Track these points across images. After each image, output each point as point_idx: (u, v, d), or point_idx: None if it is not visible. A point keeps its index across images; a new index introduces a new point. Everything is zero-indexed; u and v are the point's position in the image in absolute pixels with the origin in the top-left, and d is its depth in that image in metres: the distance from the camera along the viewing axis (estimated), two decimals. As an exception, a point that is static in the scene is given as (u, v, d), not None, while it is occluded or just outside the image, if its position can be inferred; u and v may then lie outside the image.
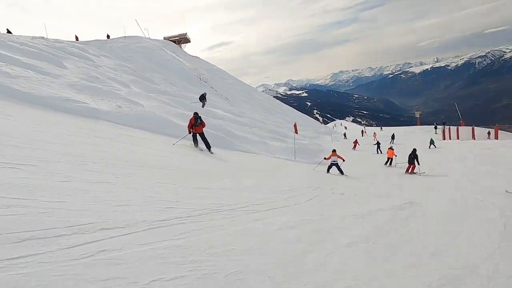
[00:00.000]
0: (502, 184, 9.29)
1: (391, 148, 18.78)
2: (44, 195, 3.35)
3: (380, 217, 4.84)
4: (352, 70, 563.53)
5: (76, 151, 5.51)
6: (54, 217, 2.94)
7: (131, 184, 4.48)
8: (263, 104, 49.77)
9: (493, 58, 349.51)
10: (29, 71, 11.62)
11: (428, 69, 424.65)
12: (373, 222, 4.57)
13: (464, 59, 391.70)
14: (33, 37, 23.51)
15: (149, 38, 47.46)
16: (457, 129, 32.78)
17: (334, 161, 12.78)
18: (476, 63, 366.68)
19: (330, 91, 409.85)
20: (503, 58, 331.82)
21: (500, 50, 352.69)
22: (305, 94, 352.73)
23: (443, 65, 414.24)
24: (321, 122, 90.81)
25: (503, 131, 28.33)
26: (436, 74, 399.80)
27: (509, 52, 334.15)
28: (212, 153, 10.44)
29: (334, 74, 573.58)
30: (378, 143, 27.76)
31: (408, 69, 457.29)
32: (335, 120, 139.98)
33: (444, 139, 34.40)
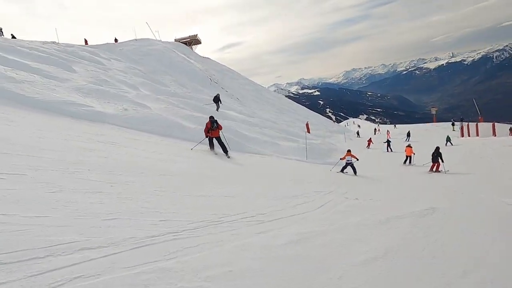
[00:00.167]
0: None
1: (409, 146, 18.30)
2: (25, 209, 3.05)
3: (399, 227, 4.37)
4: (365, 68, 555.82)
5: (73, 157, 5.24)
6: (31, 236, 2.63)
7: (127, 193, 4.16)
8: (274, 103, 49.31)
9: (511, 52, 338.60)
10: (35, 75, 11.55)
11: (443, 64, 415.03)
12: (391, 232, 4.11)
13: (481, 54, 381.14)
14: (44, 42, 23.75)
15: (160, 41, 47.68)
16: (476, 126, 31.54)
17: (349, 160, 12.90)
18: (494, 57, 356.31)
19: (343, 89, 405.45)
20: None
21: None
22: (317, 93, 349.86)
23: (459, 60, 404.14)
24: (333, 121, 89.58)
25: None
26: (451, 70, 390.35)
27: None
28: (229, 157, 10.26)
29: (346, 72, 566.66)
30: (388, 141, 27.27)
31: (422, 65, 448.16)
32: (348, 118, 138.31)
33: (462, 136, 33.20)
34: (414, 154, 17.90)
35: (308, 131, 30.96)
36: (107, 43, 37.68)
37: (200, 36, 63.36)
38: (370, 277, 2.84)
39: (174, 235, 3.17)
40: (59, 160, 4.86)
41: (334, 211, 5.11)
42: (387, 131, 47.03)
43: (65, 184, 3.94)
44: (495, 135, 27.78)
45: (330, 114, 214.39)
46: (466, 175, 12.88)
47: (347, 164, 13.00)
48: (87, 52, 25.97)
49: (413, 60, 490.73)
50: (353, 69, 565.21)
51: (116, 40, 39.35)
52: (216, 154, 10.52)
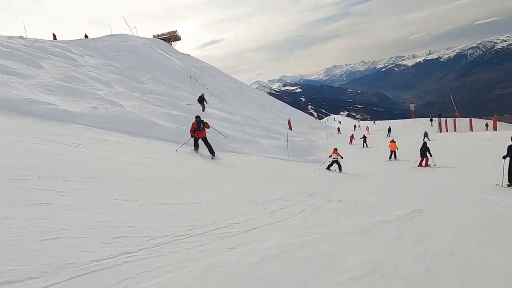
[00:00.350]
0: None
1: (393, 141, 18.82)
2: None
3: (386, 233, 4.01)
4: (346, 65, 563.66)
5: (23, 162, 4.61)
6: None
7: (79, 204, 3.60)
8: (256, 101, 48.88)
9: (484, 49, 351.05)
10: (-7, 71, 10.64)
11: (420, 61, 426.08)
12: (377, 241, 3.74)
13: (456, 51, 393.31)
14: (10, 37, 22.33)
15: (137, 37, 46.26)
16: (454, 121, 32.19)
17: (335, 158, 13.46)
18: (468, 54, 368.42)
19: (324, 86, 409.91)
20: (494, 49, 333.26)
21: (491, 41, 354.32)
22: (299, 90, 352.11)
23: (436, 57, 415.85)
24: (315, 118, 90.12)
25: (501, 122, 27.72)
26: (428, 67, 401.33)
27: (500, 42, 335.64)
28: (213, 158, 10.03)
29: (327, 69, 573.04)
30: (364, 137, 28.10)
31: (401, 62, 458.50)
32: (329, 115, 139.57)
33: (440, 131, 33.83)
34: (397, 149, 18.38)
35: (290, 128, 30.76)
36: (80, 39, 36.11)
37: (180, 33, 62.13)
38: (358, 302, 2.43)
39: (127, 257, 2.66)
40: (5, 166, 4.23)
41: (316, 216, 4.70)
42: (367, 127, 47.72)
43: (3, 195, 3.35)
44: (472, 130, 28.40)
45: (312, 111, 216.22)
46: (448, 171, 12.95)
47: (333, 162, 13.49)
48: (59, 48, 24.65)
49: (392, 57, 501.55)
50: (334, 66, 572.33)
51: (86, 36, 37.69)
52: (201, 156, 10.20)
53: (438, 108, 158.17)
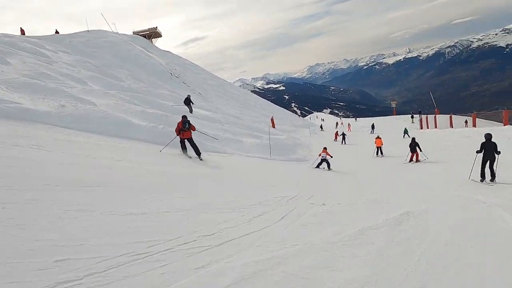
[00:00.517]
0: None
1: (378, 137, 19.12)
2: None
3: (374, 242, 3.65)
4: (328, 63, 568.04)
5: (-36, 169, 4.01)
6: None
7: (22, 218, 3.06)
8: (239, 98, 48.24)
9: (461, 48, 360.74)
10: None
11: (401, 59, 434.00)
12: (364, 252, 3.37)
13: (435, 49, 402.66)
14: (-25, 31, 20.97)
15: (116, 33, 44.78)
16: (435, 118, 32.64)
17: (324, 157, 13.61)
18: (446, 52, 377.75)
19: (307, 83, 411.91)
20: (470, 47, 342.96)
21: (467, 40, 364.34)
22: (282, 88, 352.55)
23: (415, 55, 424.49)
24: (299, 115, 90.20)
25: (480, 119, 28.21)
26: (408, 65, 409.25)
27: (476, 41, 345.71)
28: (201, 159, 9.81)
29: (310, 67, 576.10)
30: (343, 134, 28.60)
31: (382, 60, 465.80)
32: (313, 112, 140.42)
33: (421, 128, 34.24)
34: (382, 145, 18.74)
35: (273, 126, 30.44)
36: (55, 34, 34.58)
37: (161, 30, 60.68)
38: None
39: (67, 287, 2.17)
40: None
41: (298, 224, 4.30)
42: (348, 124, 48.08)
43: None
44: (452, 127, 28.81)
45: (295, 108, 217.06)
46: (432, 168, 12.91)
47: (322, 160, 13.63)
48: (30, 44, 23.40)
49: (373, 56, 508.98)
50: (317, 64, 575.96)
51: (57, 32, 36.02)
52: (190, 157, 9.81)
53: (417, 105, 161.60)
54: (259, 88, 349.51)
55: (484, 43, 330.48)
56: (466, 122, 29.81)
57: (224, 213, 4.47)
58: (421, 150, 15.04)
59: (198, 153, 9.98)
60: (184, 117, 10.26)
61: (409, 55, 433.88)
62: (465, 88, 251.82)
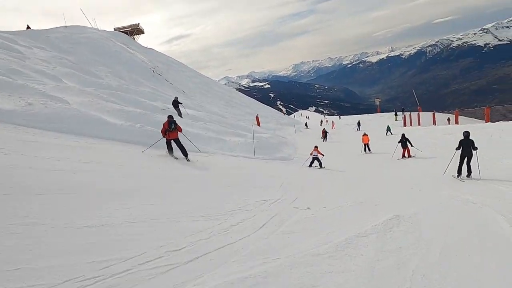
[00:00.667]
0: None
1: (365, 135, 19.31)
2: None
3: (363, 253, 3.29)
4: (313, 61, 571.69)
5: None
6: None
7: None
8: (224, 96, 47.66)
9: (442, 47, 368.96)
10: None
11: (384, 58, 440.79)
12: (353, 265, 3.00)
13: (416, 48, 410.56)
14: None
15: (96, 29, 43.40)
16: (418, 115, 32.97)
17: (315, 155, 13.73)
18: (427, 51, 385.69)
19: (292, 82, 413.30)
20: (450, 46, 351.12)
21: (448, 39, 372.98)
22: (268, 86, 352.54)
23: (398, 54, 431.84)
24: (284, 113, 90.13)
25: (461, 116, 28.62)
26: (391, 63, 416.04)
27: (456, 40, 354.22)
28: (188, 160, 9.57)
29: (295, 65, 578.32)
30: (325, 132, 28.91)
31: (365, 59, 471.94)
32: (298, 110, 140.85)
33: (405, 125, 34.56)
34: (369, 141, 18.97)
35: (258, 124, 30.11)
36: (29, 30, 33.13)
37: (144, 27, 59.27)
38: None
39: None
40: None
41: (280, 232, 3.91)
42: (332, 122, 48.31)
43: None
44: (435, 124, 29.13)
45: (280, 106, 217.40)
46: (418, 164, 12.90)
47: (313, 159, 13.73)
48: (1, 39, 22.21)
49: (357, 54, 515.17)
50: (302, 62, 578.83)
51: (28, 27, 34.50)
52: (177, 158, 9.48)
53: (400, 103, 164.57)
54: (244, 86, 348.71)
55: (464, 42, 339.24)
56: (448, 119, 30.22)
57: (199, 221, 4.03)
58: (412, 145, 15.23)
59: (185, 154, 9.73)
60: (170, 117, 9.98)
61: (392, 54, 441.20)
62: (445, 86, 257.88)
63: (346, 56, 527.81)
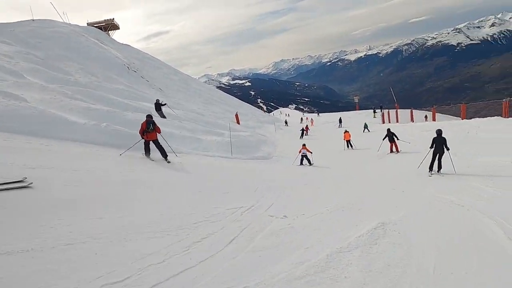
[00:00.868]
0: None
1: (346, 131, 19.65)
2: None
3: (347, 275, 2.79)
4: (293, 59, 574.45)
5: None
6: None
7: None
8: (203, 94, 46.59)
9: (417, 46, 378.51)
10: None
11: (362, 56, 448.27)
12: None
13: (393, 47, 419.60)
14: None
15: (66, 23, 41.40)
16: (396, 112, 33.29)
17: (304, 153, 13.97)
18: (403, 50, 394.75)
19: (273, 79, 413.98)
20: (425, 45, 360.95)
21: (423, 38, 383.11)
22: (248, 84, 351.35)
23: (375, 52, 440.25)
24: (265, 111, 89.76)
25: (438, 113, 29.02)
26: (369, 61, 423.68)
27: (430, 40, 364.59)
28: (168, 162, 9.22)
29: (275, 63, 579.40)
30: (302, 130, 29.35)
31: (344, 57, 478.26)
32: (278, 108, 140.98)
33: (383, 122, 34.84)
34: (351, 138, 19.24)
35: (238, 122, 29.54)
36: (-7, 23, 31.09)
37: (120, 22, 57.22)
38: None
39: None
40: None
41: (250, 250, 3.35)
42: (311, 119, 48.42)
43: None
44: (413, 121, 29.45)
45: (261, 104, 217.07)
46: (396, 162, 12.75)
47: (302, 157, 13.94)
48: (-42, 32, 20.58)
49: (336, 52, 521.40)
50: (282, 60, 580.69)
51: None
52: (153, 160, 9.01)
53: (378, 100, 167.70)
54: (225, 84, 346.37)
55: (438, 41, 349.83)
56: (426, 116, 30.63)
57: (156, 238, 3.41)
58: (398, 139, 15.41)
59: (164, 155, 9.35)
60: (148, 117, 9.56)
61: (370, 52, 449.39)
62: (421, 84, 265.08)
63: (326, 54, 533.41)
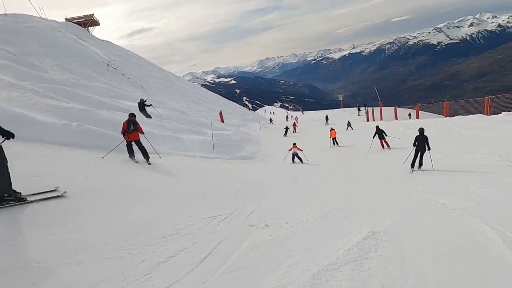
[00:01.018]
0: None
1: (332, 129, 19.93)
2: None
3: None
4: (278, 57, 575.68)
5: None
6: None
7: None
8: (187, 92, 45.66)
9: (399, 45, 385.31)
10: None
11: (346, 55, 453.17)
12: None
13: (376, 45, 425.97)
14: None
15: (42, 18, 39.74)
16: (381, 110, 33.44)
17: (295, 152, 14.17)
18: (386, 49, 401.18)
19: (258, 77, 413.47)
20: (407, 44, 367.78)
21: (405, 37, 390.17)
22: (233, 82, 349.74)
23: (359, 51, 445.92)
24: (250, 109, 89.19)
25: (421, 111, 29.26)
26: (352, 60, 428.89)
27: (412, 39, 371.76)
28: (149, 163, 8.89)
29: (260, 61, 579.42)
30: (286, 128, 29.57)
31: (328, 55, 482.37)
32: (264, 106, 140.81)
33: (368, 120, 34.97)
34: (337, 135, 19.47)
35: (222, 121, 29.02)
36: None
37: (100, 18, 55.47)
38: None
39: None
40: None
41: (225, 270, 2.91)
42: (296, 117, 48.44)
43: None
44: (397, 119, 29.58)
45: (246, 102, 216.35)
46: (382, 160, 12.63)
47: (293, 155, 14.13)
48: None
49: (320, 50, 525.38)
50: (267, 58, 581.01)
51: None
52: (137, 162, 8.75)
53: (361, 98, 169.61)
54: (209, 82, 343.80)
55: (419, 40, 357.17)
56: (409, 114, 30.84)
57: (114, 259, 2.92)
58: (387, 135, 15.73)
59: (146, 157, 9.02)
60: (131, 115, 9.16)
61: (353, 51, 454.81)
62: (403, 82, 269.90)
63: (310, 53, 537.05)
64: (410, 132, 19.74)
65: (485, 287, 2.66)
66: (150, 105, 17.62)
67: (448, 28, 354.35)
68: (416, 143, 9.75)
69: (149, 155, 9.17)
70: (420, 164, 9.71)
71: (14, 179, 3.98)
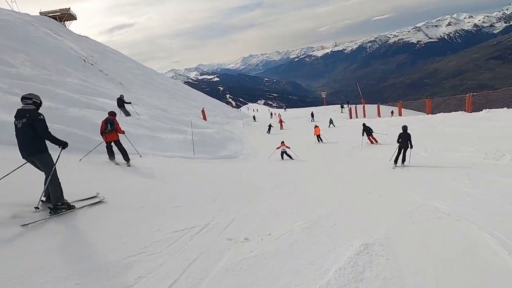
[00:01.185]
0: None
1: (316, 126, 20.44)
2: None
3: None
4: (261, 54, 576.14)
5: None
6: None
7: None
8: (168, 89, 44.57)
9: (380, 43, 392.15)
10: None
11: (328, 52, 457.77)
12: None
13: (358, 44, 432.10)
14: None
15: (14, 11, 37.83)
16: (364, 108, 33.50)
17: (283, 150, 14.49)
18: (367, 47, 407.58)
19: (241, 75, 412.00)
20: (388, 42, 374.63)
21: (385, 36, 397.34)
22: (216, 79, 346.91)
23: (341, 49, 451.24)
24: (233, 106, 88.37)
25: (404, 109, 29.41)
26: (335, 57, 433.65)
27: (392, 37, 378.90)
28: (129, 165, 8.52)
29: (244, 58, 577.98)
30: (269, 125, 29.77)
31: (311, 53, 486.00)
32: (247, 103, 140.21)
33: (351, 117, 35.00)
34: (321, 132, 20.00)
35: (205, 119, 28.38)
36: None
37: (77, 12, 53.36)
38: None
39: None
40: None
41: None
42: (279, 114, 48.37)
43: None
44: (380, 116, 29.67)
45: (230, 99, 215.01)
46: (365, 157, 12.50)
47: (282, 153, 14.46)
48: None
49: (303, 48, 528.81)
50: (250, 56, 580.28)
51: None
52: (118, 164, 8.36)
53: (344, 95, 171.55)
54: (192, 79, 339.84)
55: (399, 39, 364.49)
56: (392, 112, 31.01)
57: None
58: (373, 132, 16.30)
59: (126, 158, 8.62)
60: (110, 114, 8.87)
61: (336, 49, 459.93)
62: (384, 80, 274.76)
63: (293, 50, 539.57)
64: (393, 130, 19.71)
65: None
66: (129, 102, 16.83)
67: (427, 27, 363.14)
68: (400, 140, 10.08)
69: (129, 156, 8.72)
70: (403, 160, 10.13)
71: None
